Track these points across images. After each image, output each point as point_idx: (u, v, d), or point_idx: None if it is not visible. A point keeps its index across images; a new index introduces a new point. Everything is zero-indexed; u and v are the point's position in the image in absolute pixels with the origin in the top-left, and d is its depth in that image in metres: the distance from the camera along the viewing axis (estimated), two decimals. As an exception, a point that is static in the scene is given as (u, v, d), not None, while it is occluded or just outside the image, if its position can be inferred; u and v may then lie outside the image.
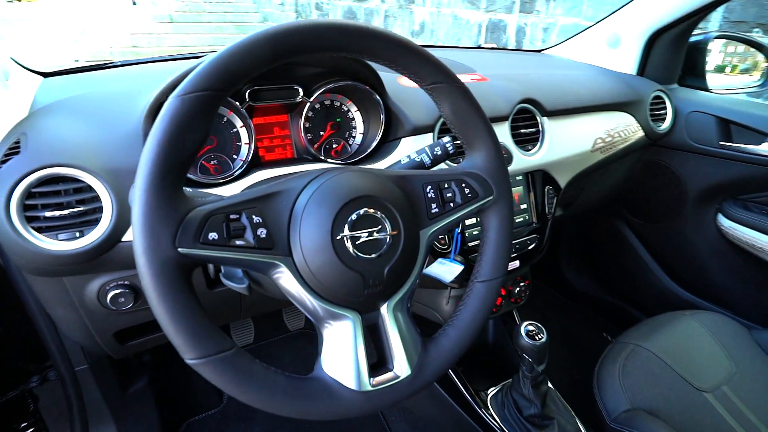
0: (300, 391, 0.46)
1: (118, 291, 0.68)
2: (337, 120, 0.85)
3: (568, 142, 1.06)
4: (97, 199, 0.60)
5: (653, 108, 1.30)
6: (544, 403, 0.91)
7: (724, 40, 1.51)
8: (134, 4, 8.72)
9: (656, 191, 1.44)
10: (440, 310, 1.02)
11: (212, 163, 0.75)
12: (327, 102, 0.83)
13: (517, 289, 1.05)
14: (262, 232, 0.46)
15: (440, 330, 0.57)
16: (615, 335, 1.06)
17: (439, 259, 0.81)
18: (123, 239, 0.62)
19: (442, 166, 0.68)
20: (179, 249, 0.41)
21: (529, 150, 0.99)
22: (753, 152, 1.18)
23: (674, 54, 1.38)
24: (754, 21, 2.22)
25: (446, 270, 0.75)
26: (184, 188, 0.44)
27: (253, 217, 0.46)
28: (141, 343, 0.83)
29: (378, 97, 0.81)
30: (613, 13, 1.37)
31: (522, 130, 0.98)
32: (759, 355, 0.99)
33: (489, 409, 1.00)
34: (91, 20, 7.51)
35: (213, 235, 0.43)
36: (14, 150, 0.59)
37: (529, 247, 0.99)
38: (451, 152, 0.66)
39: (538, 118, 1.02)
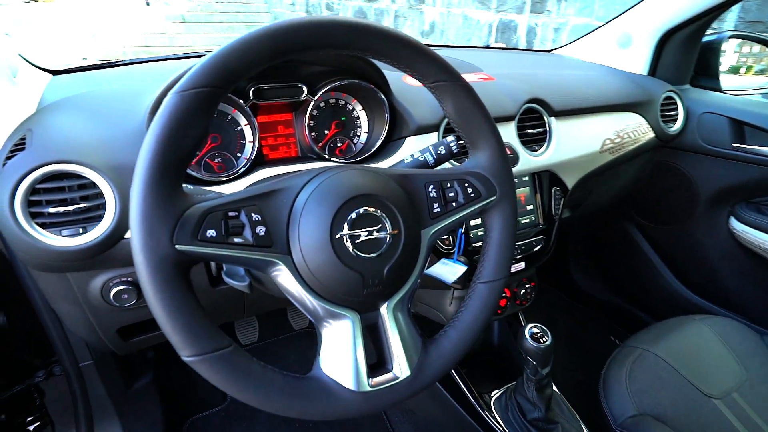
0: (298, 390, 0.46)
1: (122, 288, 0.69)
2: (342, 119, 0.84)
3: (576, 142, 1.05)
4: (100, 195, 0.60)
5: (664, 109, 1.28)
6: (548, 406, 0.90)
7: (739, 40, 1.49)
8: (148, 4, 8.81)
9: (667, 193, 1.42)
10: (444, 310, 1.01)
11: (216, 161, 0.75)
12: (332, 101, 0.83)
13: (523, 290, 1.04)
14: (260, 229, 0.46)
15: (441, 331, 0.57)
16: (623, 339, 1.04)
17: (442, 260, 0.80)
18: (126, 236, 0.62)
19: (446, 165, 0.68)
20: (177, 246, 0.41)
21: (536, 150, 0.98)
22: (767, 154, 1.16)
23: (686, 54, 1.36)
24: (770, 21, 2.18)
25: (449, 270, 0.75)
26: (184, 185, 0.44)
27: (252, 214, 0.46)
28: (144, 340, 0.83)
29: (383, 96, 0.81)
30: (624, 12, 1.35)
31: (529, 130, 0.97)
32: (771, 361, 0.97)
33: (492, 412, 0.99)
34: (105, 20, 7.61)
35: (211, 233, 0.43)
36: (20, 146, 0.60)
37: (535, 249, 0.98)
38: (455, 151, 0.66)
39: (545, 118, 1.01)
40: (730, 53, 1.51)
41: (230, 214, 0.45)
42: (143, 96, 0.71)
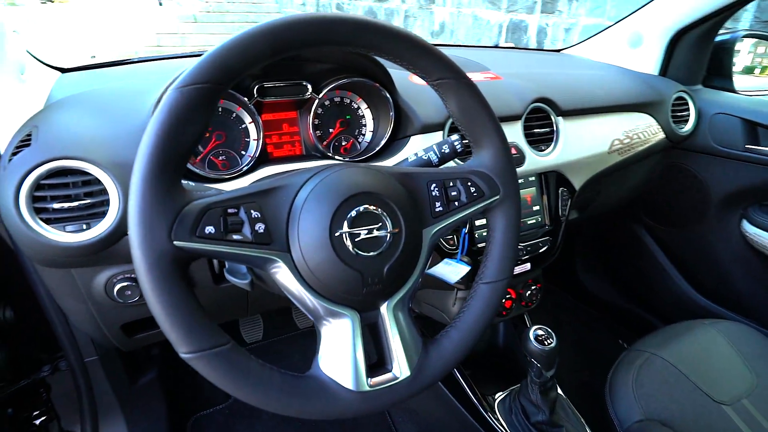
0: (296, 389, 0.46)
1: (125, 284, 0.69)
2: (347, 117, 0.84)
3: (584, 142, 1.03)
4: (104, 192, 0.60)
5: (675, 109, 1.26)
6: (552, 409, 0.89)
7: (754, 40, 1.46)
8: (160, 4, 8.90)
9: (677, 195, 1.39)
10: (447, 311, 1.00)
11: (220, 158, 0.75)
12: (337, 99, 0.83)
13: (528, 292, 1.03)
14: (260, 227, 0.46)
15: (442, 331, 0.56)
16: (631, 342, 1.03)
17: (445, 260, 0.80)
18: None
19: (451, 164, 0.67)
20: (175, 242, 0.41)
21: (543, 150, 0.97)
22: None
23: (699, 54, 1.34)
24: (787, 21, 2.14)
25: (452, 270, 0.74)
26: (185, 182, 0.44)
27: (252, 211, 0.46)
28: (148, 337, 0.84)
29: (387, 95, 0.80)
30: (635, 11, 1.34)
31: (535, 130, 0.96)
32: (783, 367, 0.94)
33: (496, 414, 0.98)
34: (119, 20, 7.70)
35: (210, 229, 0.43)
36: (26, 142, 0.60)
37: (541, 250, 0.97)
38: (459, 150, 0.65)
39: (552, 117, 0.99)
40: (744, 53, 1.49)
41: (229, 210, 0.45)
42: (148, 94, 0.72)
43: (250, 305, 0.90)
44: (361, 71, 0.79)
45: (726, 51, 1.36)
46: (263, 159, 0.77)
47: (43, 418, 1.00)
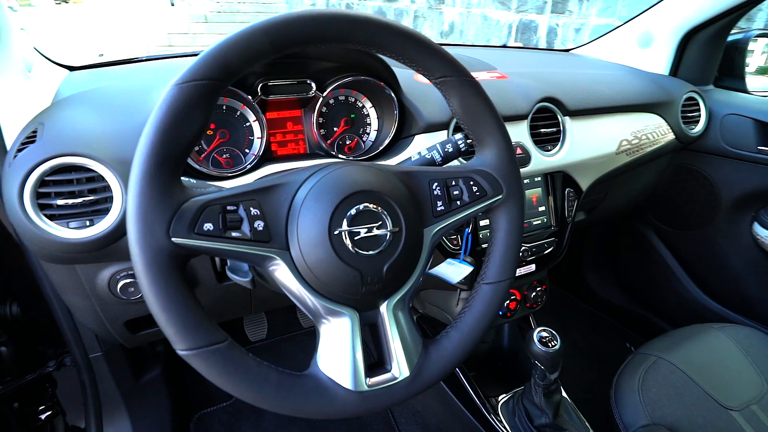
0: (293, 387, 0.46)
1: (128, 280, 0.69)
2: (352, 116, 0.84)
3: (591, 143, 1.02)
4: (108, 189, 0.61)
5: (685, 110, 1.24)
6: (556, 413, 0.88)
7: (768, 40, 1.43)
8: (172, 4, 8.98)
9: (687, 197, 1.37)
10: (451, 312, 1.00)
11: (224, 156, 0.75)
12: (342, 98, 0.83)
13: (533, 293, 1.02)
14: (259, 224, 0.46)
15: (443, 332, 0.55)
16: (638, 346, 1.01)
17: (448, 260, 0.79)
18: None
19: (455, 163, 0.66)
20: (173, 239, 0.41)
21: (549, 150, 0.96)
22: None
23: (710, 54, 1.31)
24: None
25: (454, 271, 0.73)
26: (185, 179, 0.44)
27: (251, 209, 0.46)
28: (152, 333, 0.84)
29: (392, 93, 0.80)
30: (645, 10, 1.32)
31: (542, 130, 0.95)
32: (794, 373, 0.92)
33: (499, 416, 0.98)
34: (131, 20, 7.79)
35: (208, 226, 0.43)
36: (31, 139, 0.61)
37: (546, 251, 0.96)
38: (462, 149, 0.64)
39: (559, 117, 0.98)
40: (758, 54, 1.46)
41: (229, 208, 0.45)
42: (153, 91, 0.72)
43: (253, 304, 0.90)
44: (366, 70, 0.79)
45: (739, 51, 1.34)
46: (267, 157, 0.77)
47: (48, 413, 1.01)
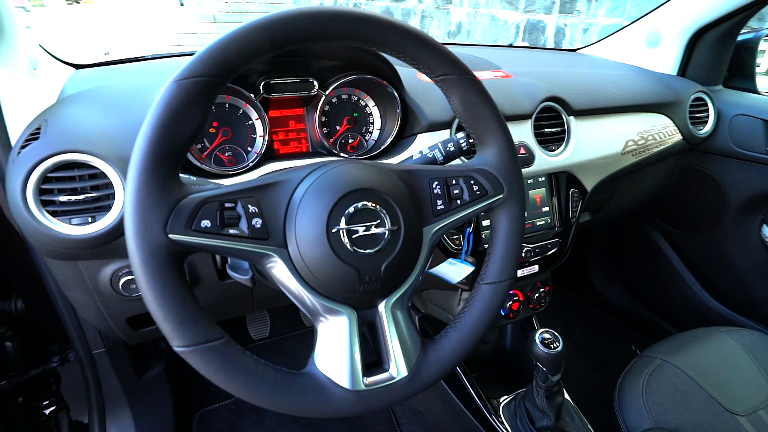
0: (290, 386, 0.45)
1: (130, 277, 0.70)
2: (354, 115, 0.84)
3: (596, 143, 1.01)
4: (110, 186, 0.61)
5: (693, 110, 1.22)
6: (558, 415, 0.87)
7: (779, 40, 1.41)
8: (182, 4, 9.05)
9: (695, 199, 1.36)
10: (453, 312, 0.99)
11: (227, 154, 0.75)
12: (344, 96, 0.82)
13: (536, 294, 1.01)
14: (257, 222, 0.46)
15: (442, 332, 0.55)
16: (643, 348, 1.00)
17: (449, 259, 0.78)
18: None
19: (456, 162, 0.66)
20: (170, 235, 0.41)
21: (554, 150, 0.95)
22: None
23: (719, 53, 1.30)
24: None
25: (455, 271, 0.73)
26: (185, 176, 0.44)
27: (249, 206, 0.45)
28: (153, 331, 0.84)
29: (395, 92, 0.80)
30: (653, 10, 1.30)
31: (546, 130, 0.94)
32: (802, 379, 0.91)
33: (500, 417, 0.97)
34: (141, 20, 7.87)
35: (206, 223, 0.43)
36: (35, 136, 0.61)
37: (550, 252, 0.95)
38: (464, 148, 0.64)
39: (563, 117, 0.97)
40: (768, 54, 1.44)
41: (227, 205, 0.45)
42: (156, 90, 0.72)
43: (255, 302, 0.90)
44: (368, 68, 0.79)
45: (749, 51, 1.32)
46: (269, 155, 0.77)
47: (52, 408, 1.02)
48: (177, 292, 0.41)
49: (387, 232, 0.49)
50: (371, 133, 0.85)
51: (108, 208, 0.61)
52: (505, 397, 1.01)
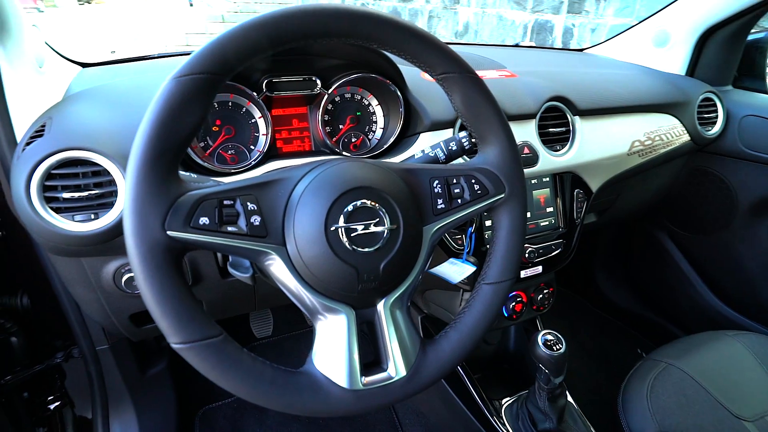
0: (287, 384, 0.45)
1: (133, 274, 0.70)
2: (357, 113, 0.83)
3: (602, 143, 1.00)
4: (113, 183, 0.61)
5: (702, 111, 1.21)
6: (561, 417, 0.86)
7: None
8: (191, 5, 9.12)
9: (703, 201, 1.34)
10: (454, 312, 0.98)
11: (230, 152, 0.75)
12: (347, 95, 0.82)
13: (540, 296, 1.00)
14: (255, 219, 0.46)
15: (441, 332, 0.55)
16: (649, 351, 0.99)
17: (451, 259, 0.78)
18: None
19: (458, 161, 0.66)
20: (168, 232, 0.41)
21: (558, 150, 0.94)
22: None
23: (729, 53, 1.28)
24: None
25: (456, 270, 0.72)
26: (185, 173, 0.44)
27: (248, 203, 0.45)
28: (156, 328, 0.85)
29: (398, 91, 0.79)
30: (662, 9, 1.29)
31: (551, 129, 0.94)
32: (812, 384, 0.89)
33: (502, 419, 0.96)
34: (151, 20, 7.94)
35: (204, 220, 0.43)
36: (39, 133, 0.62)
37: (553, 253, 0.94)
38: (466, 147, 0.63)
39: (568, 116, 0.97)
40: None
41: (225, 202, 0.45)
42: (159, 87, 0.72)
43: (257, 300, 0.90)
44: (371, 67, 0.79)
45: (759, 50, 1.30)
46: (272, 154, 0.77)
47: (57, 404, 1.03)
48: (175, 289, 0.41)
49: (386, 231, 0.48)
50: (374, 132, 0.85)
51: (111, 205, 0.61)
52: (508, 398, 1.00)
